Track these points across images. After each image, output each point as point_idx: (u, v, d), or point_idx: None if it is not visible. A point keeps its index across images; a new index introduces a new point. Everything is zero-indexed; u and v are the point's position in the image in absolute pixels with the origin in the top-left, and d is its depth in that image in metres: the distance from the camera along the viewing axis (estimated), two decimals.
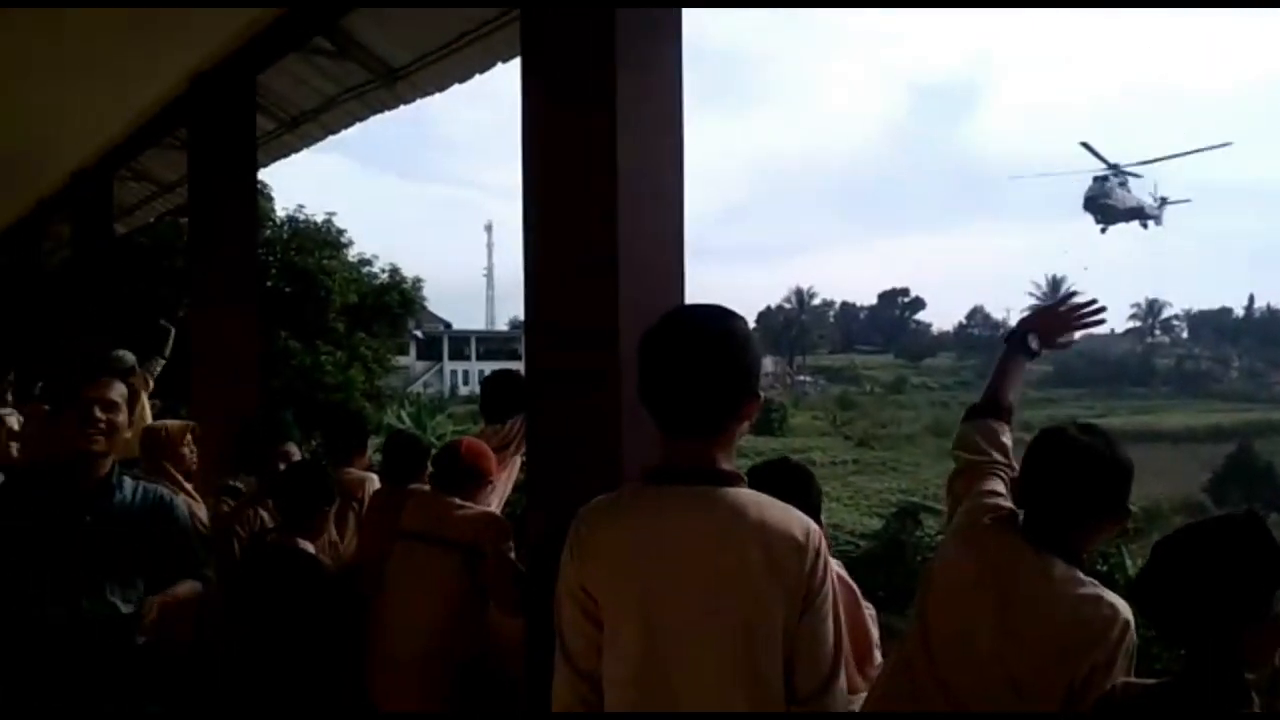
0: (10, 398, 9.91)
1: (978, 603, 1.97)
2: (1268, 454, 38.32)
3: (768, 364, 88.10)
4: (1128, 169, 69.29)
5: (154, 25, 4.84)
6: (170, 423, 4.11)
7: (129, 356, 7.76)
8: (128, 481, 2.73)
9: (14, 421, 5.81)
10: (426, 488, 3.49)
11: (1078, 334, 2.45)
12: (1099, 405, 72.92)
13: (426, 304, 27.21)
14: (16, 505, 2.58)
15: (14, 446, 5.60)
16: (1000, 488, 2.16)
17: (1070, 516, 1.99)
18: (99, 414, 2.60)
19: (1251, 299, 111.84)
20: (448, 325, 69.23)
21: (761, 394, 1.75)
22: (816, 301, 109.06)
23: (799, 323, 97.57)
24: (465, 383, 58.41)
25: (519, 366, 3.35)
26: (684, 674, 1.65)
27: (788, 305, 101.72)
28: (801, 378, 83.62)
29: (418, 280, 21.58)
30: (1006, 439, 2.27)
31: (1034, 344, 2.40)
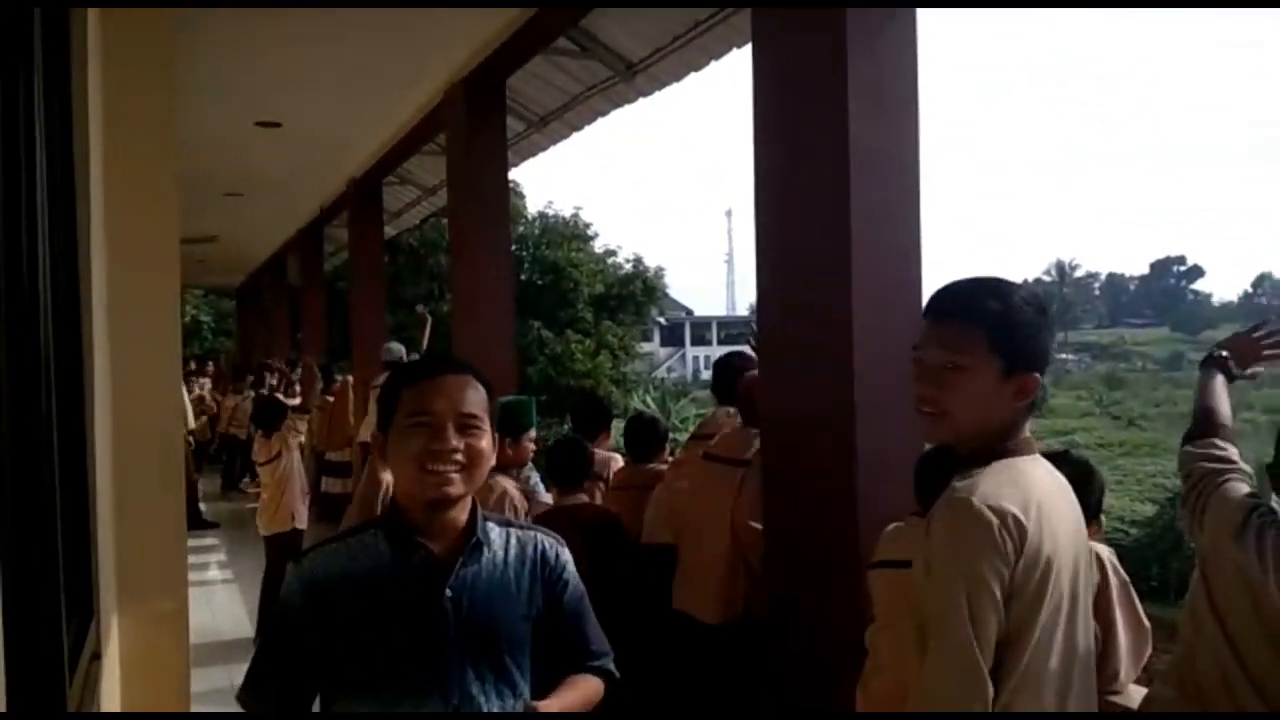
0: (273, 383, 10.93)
1: (1273, 603, 1.83)
2: None
3: None
4: None
5: (413, 34, 5.23)
6: None
7: (397, 347, 8.43)
8: (494, 529, 1.81)
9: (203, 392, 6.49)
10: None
11: (1266, 364, 2.34)
12: None
13: (669, 291, 27.78)
14: (343, 581, 1.69)
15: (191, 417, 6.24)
16: (1245, 487, 2.01)
17: None
18: (452, 437, 1.70)
19: None
20: (689, 312, 70.27)
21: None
22: (1080, 273, 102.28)
23: (1060, 297, 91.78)
24: (707, 368, 58.87)
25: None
26: None
27: (1047, 278, 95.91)
28: (1063, 356, 78.67)
29: (660, 268, 22.10)
30: (1233, 453, 2.12)
31: (1233, 367, 2.33)
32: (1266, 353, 2.34)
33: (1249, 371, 2.35)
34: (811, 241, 2.60)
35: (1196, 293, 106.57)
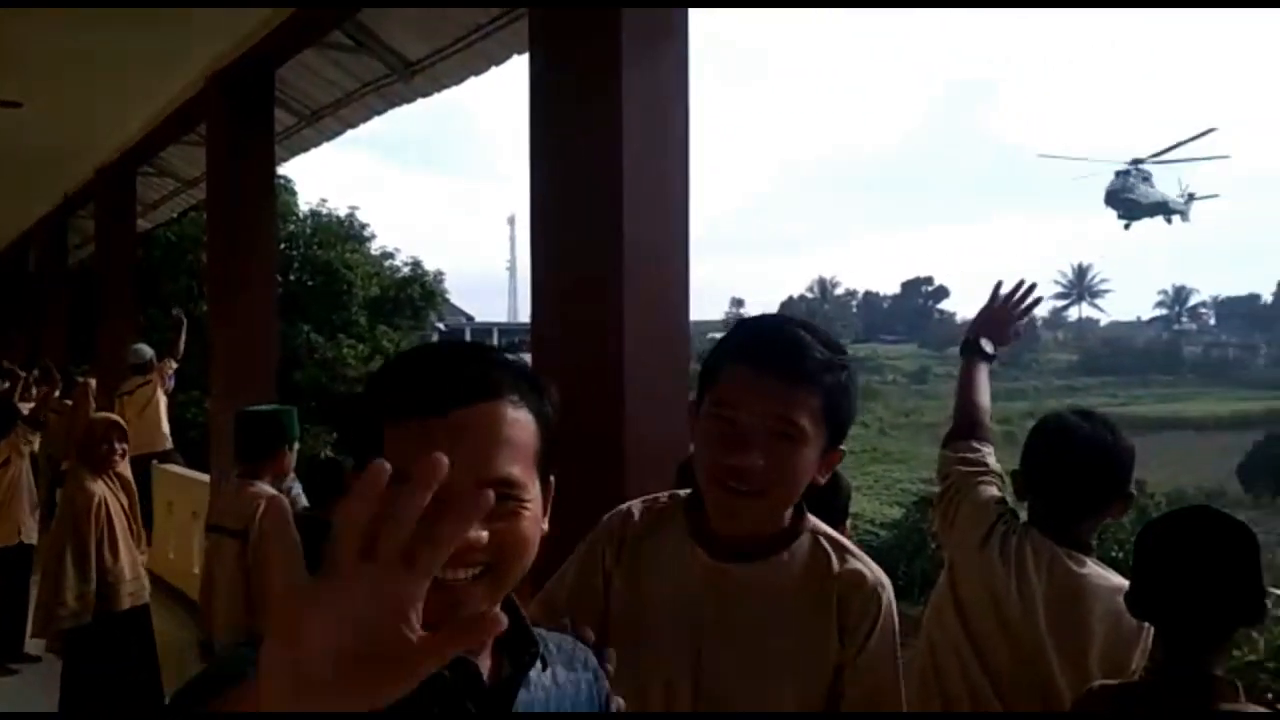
0: (39, 390, 10.03)
1: (1014, 606, 1.95)
2: None
3: None
4: (1149, 163, 68.26)
5: (172, 22, 4.89)
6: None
7: (146, 350, 7.86)
8: (549, 641, 1.11)
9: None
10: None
11: (1023, 321, 2.38)
12: (1123, 393, 72.22)
13: (449, 297, 27.32)
14: None
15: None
16: (995, 493, 2.12)
17: (1078, 507, 1.97)
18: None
19: None
20: (470, 318, 69.57)
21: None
22: (839, 291, 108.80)
23: (822, 313, 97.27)
24: None
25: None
26: None
27: (810, 295, 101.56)
28: None
29: (439, 272, 21.70)
30: (989, 458, 2.19)
31: (988, 348, 2.36)
32: (1019, 310, 2.36)
33: (1011, 335, 2.38)
34: (584, 250, 2.61)
35: (943, 311, 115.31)
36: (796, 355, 1.38)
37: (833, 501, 2.02)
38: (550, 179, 2.76)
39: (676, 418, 1.76)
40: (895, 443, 47.69)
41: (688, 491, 1.56)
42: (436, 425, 0.92)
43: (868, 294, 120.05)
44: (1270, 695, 3.38)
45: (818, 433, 1.38)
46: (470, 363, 0.98)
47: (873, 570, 1.48)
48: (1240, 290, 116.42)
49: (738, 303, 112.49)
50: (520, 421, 0.97)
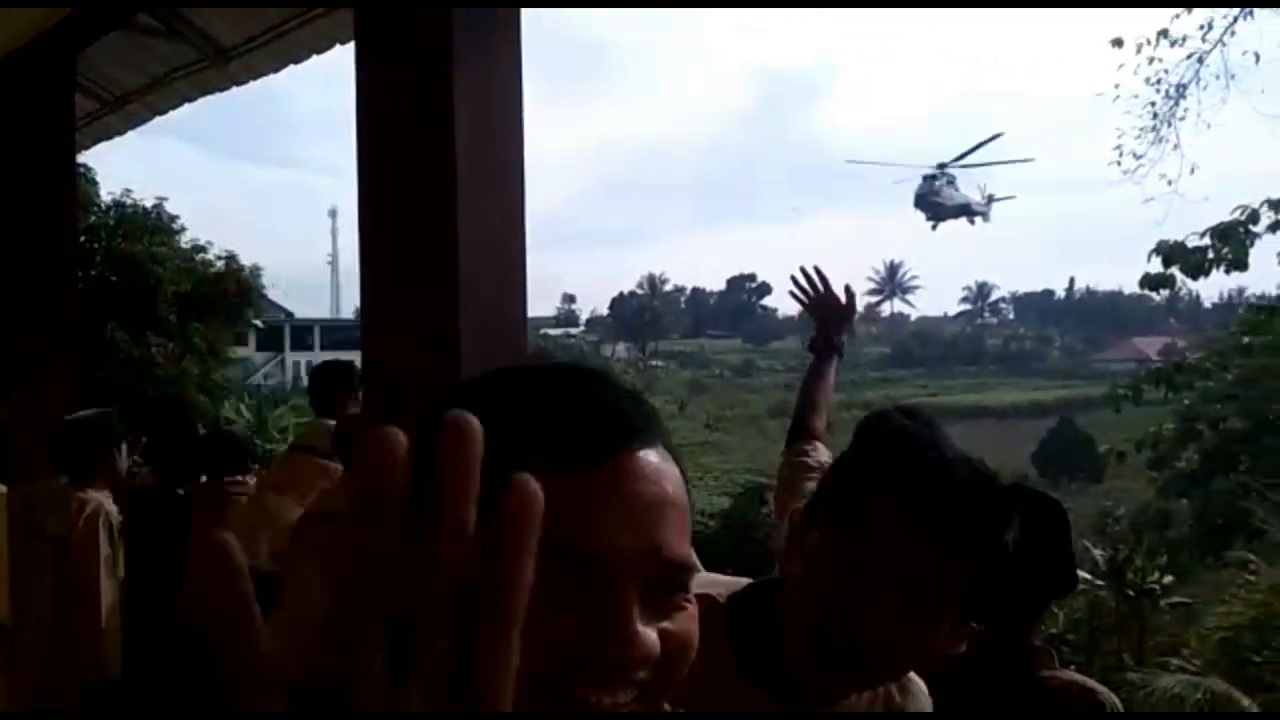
0: None
1: None
2: (1087, 428, 41.07)
3: (620, 350, 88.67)
4: (952, 167, 72.45)
5: None
6: None
7: None
8: None
9: None
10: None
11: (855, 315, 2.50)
12: (933, 384, 76.52)
13: (267, 292, 26.19)
14: None
15: None
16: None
17: None
18: (637, 622, 0.62)
19: (1071, 281, 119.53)
20: (290, 314, 66.88)
21: None
22: (668, 288, 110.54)
23: (651, 309, 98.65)
24: (309, 373, 56.73)
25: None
26: None
27: (640, 291, 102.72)
28: (654, 363, 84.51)
29: (256, 267, 20.76)
30: (822, 455, 2.19)
31: (839, 342, 2.48)
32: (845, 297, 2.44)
33: (847, 322, 2.46)
34: (417, 246, 2.58)
35: (765, 307, 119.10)
36: (965, 521, 1.11)
37: None
38: (380, 175, 2.72)
39: None
40: (723, 435, 48.87)
41: (726, 599, 1.29)
42: (619, 471, 0.65)
43: (695, 290, 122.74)
44: (1072, 666, 3.68)
45: (959, 603, 1.14)
46: (620, 393, 0.71)
47: (926, 694, 1.33)
48: (1036, 286, 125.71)
49: (569, 298, 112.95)
50: (679, 480, 0.69)
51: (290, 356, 62.72)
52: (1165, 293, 11.26)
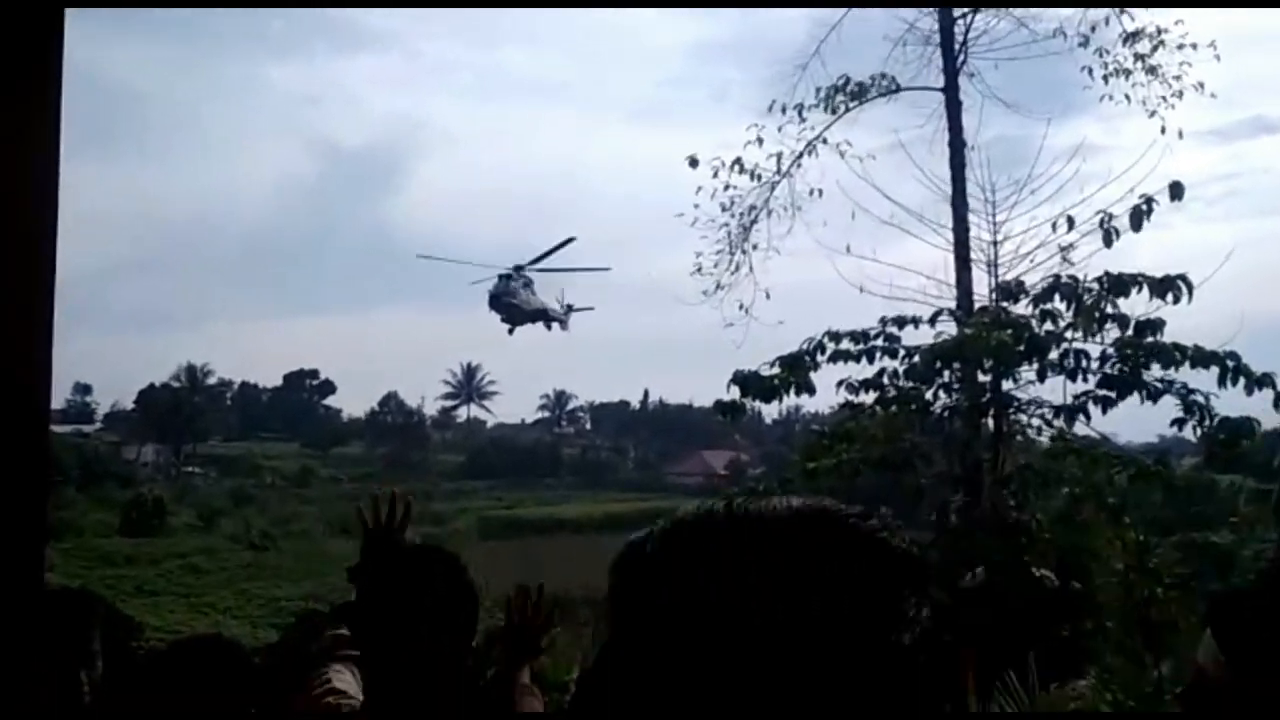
0: None
1: None
2: None
3: (149, 453, 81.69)
4: (529, 270, 75.03)
5: None
6: None
7: None
8: None
9: None
10: None
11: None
12: (509, 496, 78.44)
13: None
14: None
15: None
16: None
17: None
18: None
19: (646, 393, 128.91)
20: None
21: None
22: (212, 381, 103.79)
23: (189, 404, 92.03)
24: None
25: None
26: None
27: (176, 384, 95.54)
28: (190, 469, 78.66)
29: None
30: None
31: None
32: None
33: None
34: None
35: (328, 408, 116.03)
36: None
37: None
38: None
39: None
40: (274, 555, 46.43)
41: None
42: None
43: (245, 385, 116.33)
44: None
45: None
46: None
47: None
48: (613, 396, 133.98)
49: (83, 388, 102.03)
50: None
51: None
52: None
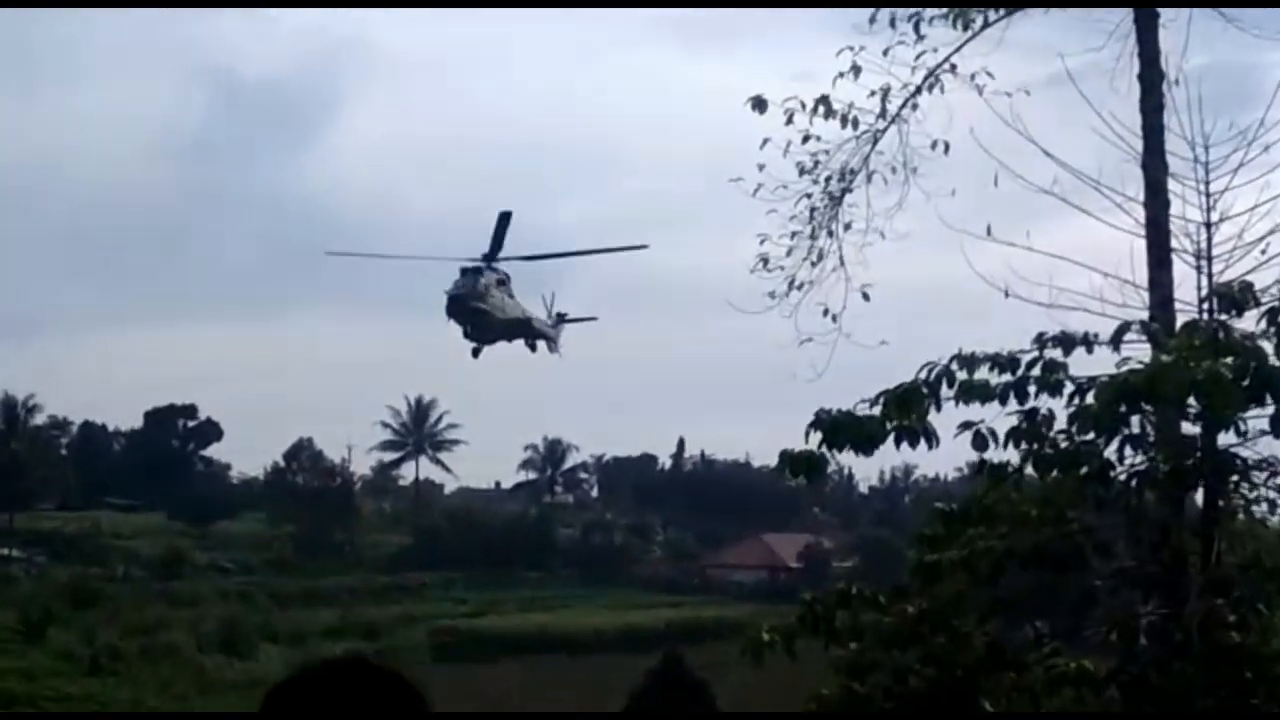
0: None
1: None
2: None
3: None
4: (511, 258, 71.44)
5: None
6: None
7: None
8: None
9: None
10: None
11: None
12: (476, 598, 78.31)
13: None
14: None
15: None
16: None
17: None
18: None
19: (682, 444, 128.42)
20: None
21: None
22: (40, 420, 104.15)
23: (7, 455, 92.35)
24: None
25: None
26: None
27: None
28: (6, 551, 78.93)
29: None
30: None
31: None
32: None
33: None
34: None
35: (210, 461, 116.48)
36: None
37: None
38: None
39: None
40: (124, 683, 46.63)
41: None
42: None
43: (89, 428, 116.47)
44: None
45: None
46: None
47: None
48: (632, 449, 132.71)
49: None
50: None
51: None
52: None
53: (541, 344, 74.50)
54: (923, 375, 11.11)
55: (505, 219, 65.36)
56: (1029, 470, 11.55)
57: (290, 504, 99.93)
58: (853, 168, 15.59)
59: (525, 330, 71.63)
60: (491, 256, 69.45)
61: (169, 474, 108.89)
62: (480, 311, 67.47)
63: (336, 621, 76.43)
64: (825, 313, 15.43)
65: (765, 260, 15.84)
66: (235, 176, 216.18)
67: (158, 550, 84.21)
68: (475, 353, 70.62)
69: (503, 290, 68.95)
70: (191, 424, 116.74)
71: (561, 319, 77.01)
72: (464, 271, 67.96)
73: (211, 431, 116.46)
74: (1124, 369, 10.87)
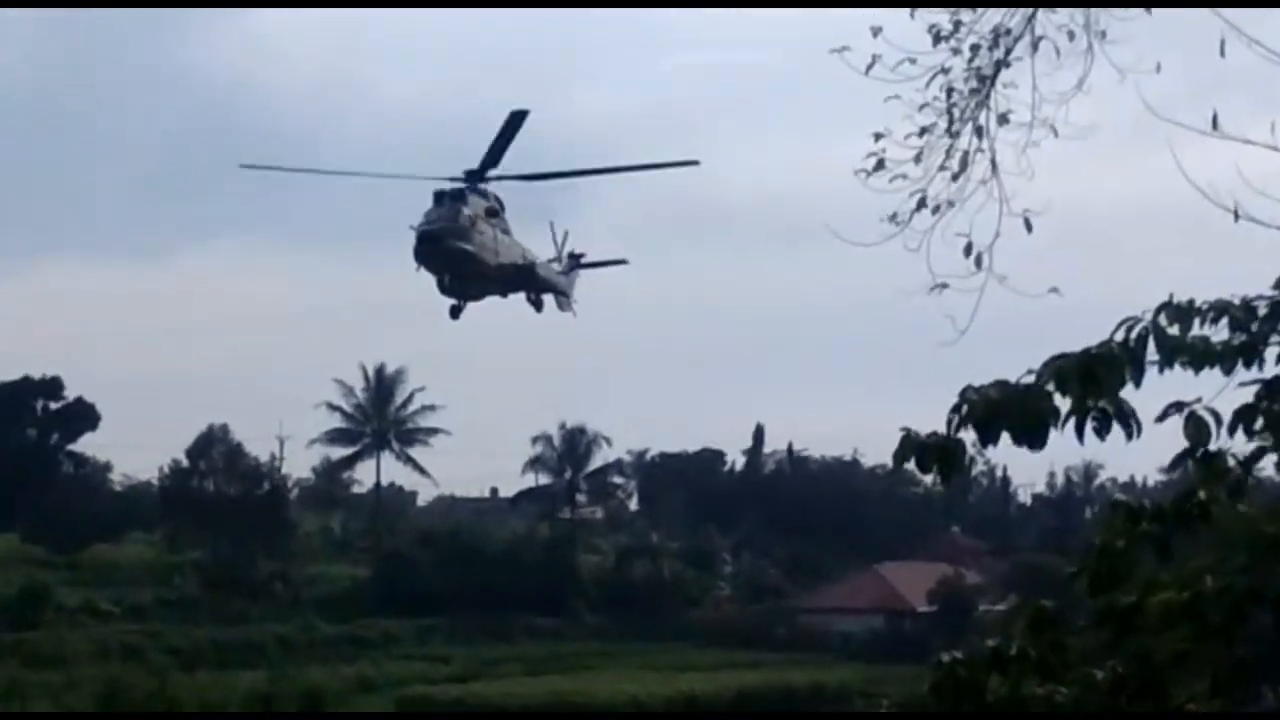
0: None
1: None
2: None
3: None
4: (506, 177, 68.46)
5: None
6: None
7: None
8: None
9: None
10: None
11: None
12: (461, 655, 78.48)
13: None
14: None
15: None
16: None
17: None
18: None
19: (760, 433, 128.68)
20: None
21: None
22: None
23: None
24: None
25: None
26: None
27: None
28: None
29: None
30: None
31: None
32: None
33: None
34: None
35: (81, 458, 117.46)
36: None
37: None
38: None
39: None
40: None
41: None
42: None
43: None
44: None
45: None
46: None
47: None
48: (686, 444, 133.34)
49: None
50: None
51: None
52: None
53: (549, 299, 72.26)
54: (1117, 335, 10.63)
55: (517, 121, 62.68)
56: (1274, 469, 11.15)
57: (197, 521, 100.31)
58: (1010, 30, 15.09)
59: (526, 280, 68.86)
60: (480, 174, 65.86)
61: (22, 477, 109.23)
62: (463, 254, 63.80)
63: (264, 686, 76.52)
64: (968, 249, 14.83)
65: (880, 163, 15.22)
66: (107, 51, 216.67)
67: (7, 587, 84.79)
68: (455, 312, 67.43)
69: (494, 224, 65.64)
70: (54, 406, 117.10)
71: (577, 262, 75.25)
72: (439, 197, 64.19)
73: (83, 417, 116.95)
74: None
